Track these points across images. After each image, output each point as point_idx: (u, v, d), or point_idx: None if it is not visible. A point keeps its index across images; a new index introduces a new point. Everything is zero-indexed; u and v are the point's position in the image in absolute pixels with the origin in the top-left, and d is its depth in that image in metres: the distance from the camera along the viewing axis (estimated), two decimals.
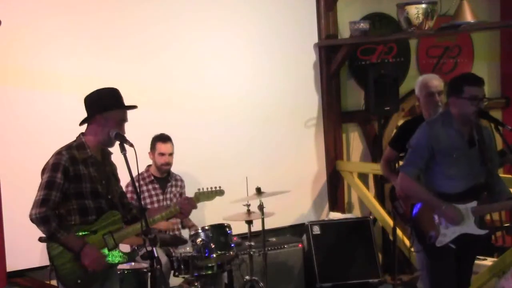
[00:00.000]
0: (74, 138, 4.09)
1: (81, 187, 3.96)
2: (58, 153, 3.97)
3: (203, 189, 4.57)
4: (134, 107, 4.13)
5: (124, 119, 4.07)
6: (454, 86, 4.37)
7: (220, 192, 4.63)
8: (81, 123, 4.07)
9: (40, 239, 4.00)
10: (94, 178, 4.01)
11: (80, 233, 3.95)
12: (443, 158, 4.32)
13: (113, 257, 4.04)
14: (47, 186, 3.89)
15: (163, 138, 5.71)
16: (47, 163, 3.98)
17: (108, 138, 4.03)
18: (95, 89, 4.12)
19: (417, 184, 4.38)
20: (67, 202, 3.95)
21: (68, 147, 4.01)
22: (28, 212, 3.90)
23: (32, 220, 3.88)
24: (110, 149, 4.16)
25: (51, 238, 3.89)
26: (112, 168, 4.21)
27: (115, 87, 4.12)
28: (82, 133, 4.10)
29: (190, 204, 4.33)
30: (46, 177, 3.91)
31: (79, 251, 3.88)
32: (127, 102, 4.16)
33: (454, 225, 4.28)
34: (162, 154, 5.69)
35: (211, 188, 4.61)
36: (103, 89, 4.09)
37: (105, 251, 3.99)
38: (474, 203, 4.31)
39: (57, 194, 3.89)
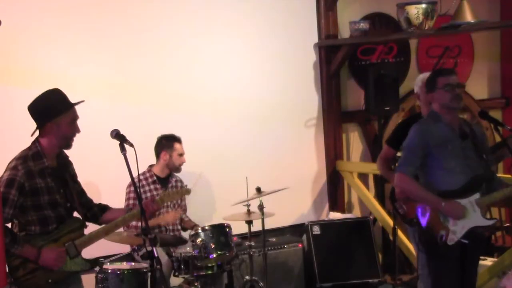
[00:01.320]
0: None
1: (39, 200, 3.92)
2: (14, 168, 3.91)
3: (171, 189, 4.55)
4: (80, 102, 4.06)
5: (75, 118, 4.03)
6: (428, 83, 4.56)
7: (185, 191, 4.61)
8: (33, 134, 4.02)
9: None
10: (52, 189, 3.97)
11: (40, 243, 3.92)
12: (440, 151, 4.38)
13: (75, 265, 4.02)
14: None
15: (178, 139, 5.76)
16: (2, 177, 3.92)
17: (65, 142, 4.00)
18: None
19: (415, 183, 4.43)
20: (26, 214, 3.92)
21: (24, 159, 3.94)
22: None
23: None
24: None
25: (5, 253, 3.77)
26: (69, 169, 4.16)
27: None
28: (37, 140, 4.03)
29: (153, 205, 4.27)
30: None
31: (37, 259, 3.87)
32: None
33: (457, 220, 4.31)
34: (181, 155, 5.75)
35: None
36: (45, 94, 4.04)
37: (67, 259, 3.97)
38: (477, 195, 4.36)
39: (10, 211, 3.83)
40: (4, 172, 3.95)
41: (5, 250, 3.74)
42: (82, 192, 4.26)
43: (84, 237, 4.06)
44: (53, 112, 3.97)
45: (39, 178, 3.93)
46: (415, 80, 5.25)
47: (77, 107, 4.12)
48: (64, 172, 4.09)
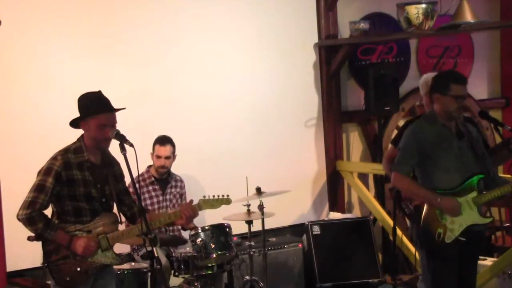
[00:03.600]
0: (75, 139, 4.14)
1: (74, 191, 4.05)
2: (53, 158, 4.07)
3: (209, 196, 4.42)
4: (120, 109, 4.13)
5: (104, 124, 4.06)
6: (440, 83, 4.48)
7: (226, 201, 4.46)
8: (71, 124, 4.15)
9: (29, 238, 4.14)
10: (89, 182, 4.08)
11: (77, 233, 4.05)
12: (435, 151, 4.40)
13: (106, 258, 4.11)
14: (37, 189, 4.00)
15: (161, 141, 5.67)
16: (43, 166, 4.07)
17: (95, 142, 4.09)
18: (95, 89, 4.14)
19: (410, 181, 4.48)
20: (62, 203, 4.07)
21: (65, 151, 4.09)
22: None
23: (18, 220, 4.01)
24: (111, 149, 4.18)
25: (39, 237, 4.04)
26: (114, 169, 4.24)
27: (100, 89, 4.17)
28: (82, 135, 4.15)
29: (192, 212, 4.27)
30: (38, 180, 4.03)
31: (69, 246, 4.01)
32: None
33: (454, 216, 4.33)
34: (158, 157, 5.67)
35: (217, 196, 4.45)
36: (85, 95, 4.15)
37: (98, 251, 4.07)
38: (474, 193, 4.38)
39: (46, 198, 3.99)
40: (46, 162, 4.09)
41: (38, 234, 4.01)
42: (125, 191, 4.32)
43: (117, 231, 4.15)
44: (84, 113, 4.09)
45: (76, 170, 4.06)
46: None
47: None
48: (107, 170, 4.18)
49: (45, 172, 4.03)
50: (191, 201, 4.35)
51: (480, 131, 4.67)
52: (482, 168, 4.44)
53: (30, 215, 3.96)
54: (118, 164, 4.27)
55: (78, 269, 4.03)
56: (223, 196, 4.45)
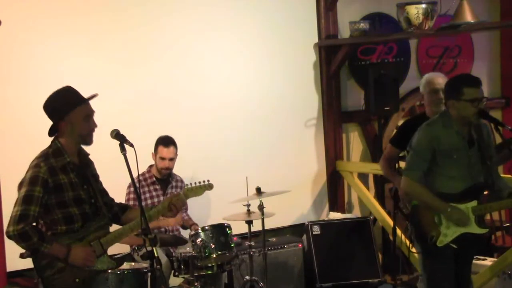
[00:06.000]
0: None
1: (63, 196, 3.87)
2: (36, 166, 3.85)
3: (190, 184, 4.41)
4: (93, 96, 3.97)
5: (88, 114, 3.94)
6: (453, 89, 4.36)
7: (208, 186, 4.45)
8: (50, 134, 3.98)
9: (22, 256, 3.93)
10: (76, 185, 3.92)
11: (67, 241, 3.87)
12: (444, 159, 4.33)
13: (102, 263, 3.98)
14: (25, 200, 3.76)
15: (165, 142, 5.63)
16: (25, 176, 3.86)
17: (82, 139, 3.95)
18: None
19: (421, 188, 4.38)
20: (51, 213, 3.87)
21: (45, 157, 3.88)
22: None
23: (9, 237, 3.75)
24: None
25: (34, 252, 3.79)
26: (91, 168, 4.13)
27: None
28: (56, 138, 3.98)
29: (179, 201, 4.22)
30: (24, 191, 3.79)
31: (66, 257, 3.82)
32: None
33: (460, 227, 4.30)
34: (162, 159, 5.64)
35: (199, 182, 4.45)
36: (56, 93, 3.98)
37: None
38: (474, 203, 4.33)
39: (36, 208, 3.76)
40: (27, 172, 3.89)
41: (34, 249, 3.74)
42: (103, 191, 4.20)
43: (109, 235, 4.02)
44: (63, 110, 3.90)
45: (62, 174, 3.87)
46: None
47: None
48: (86, 170, 4.05)
49: (31, 181, 3.79)
50: (178, 193, 4.32)
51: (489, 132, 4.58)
52: (487, 177, 4.38)
53: (23, 229, 3.69)
54: (93, 163, 4.15)
55: (77, 280, 3.86)
56: (204, 182, 4.42)
